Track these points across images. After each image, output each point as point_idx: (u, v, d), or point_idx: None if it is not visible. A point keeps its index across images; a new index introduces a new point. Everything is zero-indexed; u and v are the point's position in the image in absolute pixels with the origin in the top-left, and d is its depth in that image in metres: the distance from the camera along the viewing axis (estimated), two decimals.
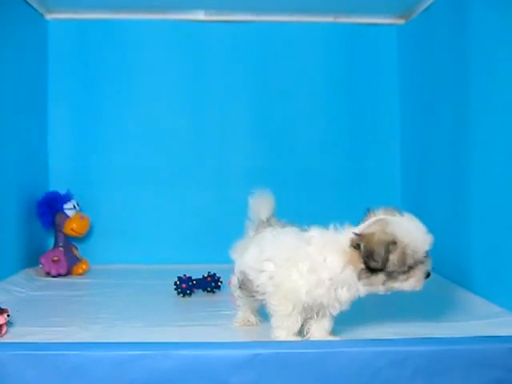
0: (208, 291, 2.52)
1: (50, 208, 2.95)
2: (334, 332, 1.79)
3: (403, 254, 1.65)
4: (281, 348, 1.60)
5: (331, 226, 1.77)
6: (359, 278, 1.68)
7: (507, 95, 2.13)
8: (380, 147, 3.35)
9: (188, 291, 2.45)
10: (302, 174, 3.30)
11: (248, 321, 2.01)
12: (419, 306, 2.26)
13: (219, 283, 2.53)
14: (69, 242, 3.01)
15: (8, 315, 1.86)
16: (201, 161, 3.28)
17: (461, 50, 2.52)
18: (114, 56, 3.26)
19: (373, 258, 1.64)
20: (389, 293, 1.73)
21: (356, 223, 3.37)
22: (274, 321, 1.75)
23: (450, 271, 2.64)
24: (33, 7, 3.04)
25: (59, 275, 2.83)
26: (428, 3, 2.91)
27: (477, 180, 2.38)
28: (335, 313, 1.74)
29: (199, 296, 2.47)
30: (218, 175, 3.28)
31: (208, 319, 2.08)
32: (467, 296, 2.35)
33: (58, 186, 3.11)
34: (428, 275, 1.73)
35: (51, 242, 3.03)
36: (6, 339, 1.80)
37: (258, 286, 1.79)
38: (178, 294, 2.45)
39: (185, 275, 2.50)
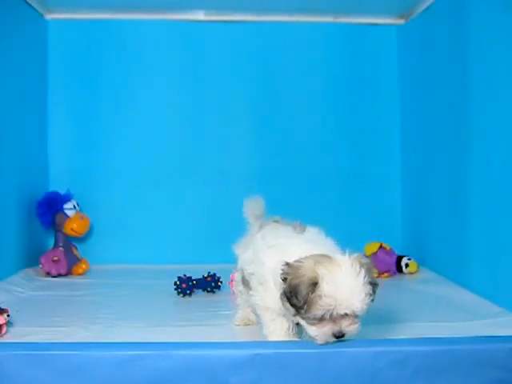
0: (208, 291, 2.52)
1: (50, 208, 2.95)
2: None
3: (315, 300, 1.50)
4: (281, 348, 1.60)
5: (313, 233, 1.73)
6: (281, 300, 1.59)
7: (507, 95, 2.13)
8: (380, 147, 3.35)
9: (188, 291, 2.44)
10: (301, 174, 3.29)
11: (248, 319, 2.01)
12: (419, 306, 2.26)
13: (219, 283, 2.53)
14: (69, 242, 3.01)
15: (8, 315, 1.86)
16: (201, 161, 3.28)
17: (461, 50, 2.52)
18: (114, 56, 3.26)
19: (295, 296, 1.52)
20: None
21: (355, 223, 3.38)
22: (263, 325, 1.75)
23: (450, 271, 2.65)
24: (33, 7, 3.04)
25: (59, 275, 2.83)
26: (428, 3, 2.91)
27: (477, 180, 2.38)
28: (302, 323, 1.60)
29: (199, 296, 2.47)
30: (218, 175, 3.28)
31: (208, 319, 2.08)
32: (467, 296, 2.35)
33: (58, 186, 3.11)
34: (337, 336, 1.54)
35: (51, 241, 3.03)
36: (6, 339, 1.80)
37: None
38: (178, 294, 2.45)
39: (185, 275, 2.50)
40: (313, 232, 1.75)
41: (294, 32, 3.29)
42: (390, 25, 3.33)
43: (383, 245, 2.91)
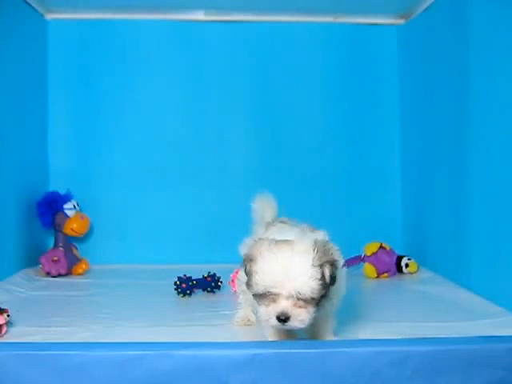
0: (208, 291, 2.51)
1: (50, 208, 2.95)
2: (334, 332, 1.78)
3: (253, 276, 1.59)
4: (281, 348, 1.60)
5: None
6: None
7: (507, 95, 2.13)
8: (380, 147, 3.35)
9: (188, 291, 2.44)
10: (301, 173, 3.29)
11: (248, 320, 2.01)
12: (419, 305, 2.27)
13: (219, 283, 2.53)
14: (69, 242, 3.01)
15: (8, 315, 1.86)
16: (201, 161, 3.28)
17: (461, 49, 2.52)
18: (114, 56, 3.26)
19: (243, 271, 1.67)
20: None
21: (355, 223, 3.38)
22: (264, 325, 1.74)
23: (450, 271, 2.65)
24: (33, 7, 3.04)
25: (59, 275, 2.83)
26: (428, 3, 2.91)
27: (477, 180, 2.38)
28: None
29: (199, 296, 2.47)
30: (218, 175, 3.28)
31: (208, 319, 2.08)
32: (467, 296, 2.35)
33: (58, 186, 3.11)
34: (281, 320, 1.55)
35: (51, 241, 3.03)
36: (6, 339, 1.80)
37: None
38: (178, 294, 2.45)
39: (185, 275, 2.50)
40: (318, 235, 1.73)
41: (294, 32, 3.29)
42: (390, 25, 3.33)
43: (383, 245, 2.91)
